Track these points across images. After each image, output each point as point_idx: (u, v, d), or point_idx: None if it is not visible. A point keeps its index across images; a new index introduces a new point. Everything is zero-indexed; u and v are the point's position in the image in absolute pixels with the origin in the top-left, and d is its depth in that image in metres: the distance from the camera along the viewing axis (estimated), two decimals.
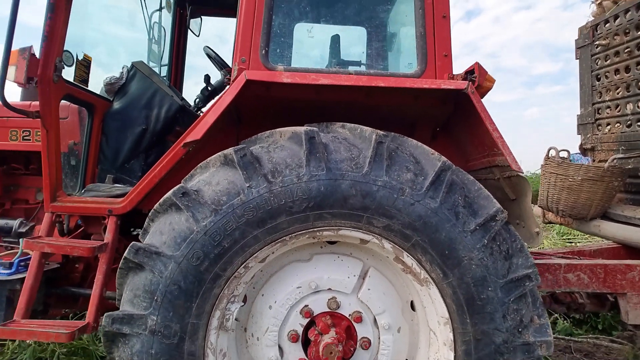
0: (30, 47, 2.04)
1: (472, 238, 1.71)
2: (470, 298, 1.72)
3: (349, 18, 2.45)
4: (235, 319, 1.86)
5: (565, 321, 3.95)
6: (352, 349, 1.92)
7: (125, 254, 1.72)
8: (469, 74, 1.97)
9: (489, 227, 1.73)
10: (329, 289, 1.94)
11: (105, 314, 1.72)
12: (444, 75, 2.04)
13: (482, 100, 1.92)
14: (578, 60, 4.16)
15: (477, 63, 1.94)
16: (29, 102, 2.62)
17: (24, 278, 2.21)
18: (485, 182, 2.18)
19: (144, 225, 1.87)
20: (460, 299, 1.73)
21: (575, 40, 4.11)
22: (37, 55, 2.06)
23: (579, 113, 4.16)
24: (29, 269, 2.15)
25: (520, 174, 1.87)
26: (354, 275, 1.96)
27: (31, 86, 2.09)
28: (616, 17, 3.55)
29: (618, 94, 3.60)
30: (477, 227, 1.72)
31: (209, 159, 1.83)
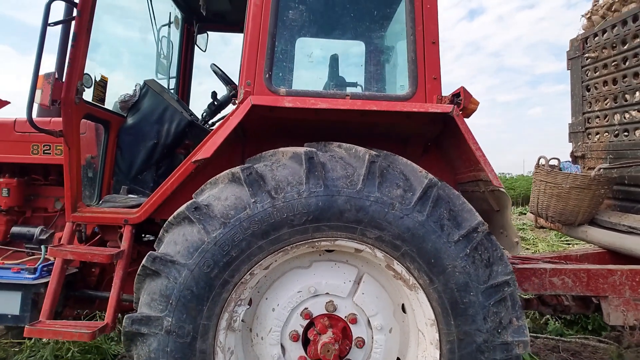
0: (54, 73, 2.24)
1: (455, 248, 1.88)
2: (454, 302, 1.89)
3: (345, 46, 2.63)
4: (242, 320, 2.02)
5: (556, 322, 4.11)
6: (347, 347, 2.07)
7: (143, 262, 1.90)
8: (455, 97, 2.15)
9: (471, 238, 1.90)
10: (327, 293, 2.10)
11: (125, 316, 1.90)
12: (433, 97, 2.22)
13: (466, 120, 2.09)
14: (570, 71, 4.33)
15: (462, 87, 2.12)
16: (48, 119, 2.82)
17: (47, 282, 2.41)
18: (473, 194, 2.36)
19: (159, 236, 2.04)
20: (445, 302, 1.89)
21: (567, 51, 4.28)
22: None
23: (570, 122, 4.32)
24: (53, 274, 2.34)
25: (501, 189, 2.04)
26: (350, 281, 2.12)
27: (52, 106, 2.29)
28: (604, 31, 3.72)
29: (606, 104, 3.76)
30: (461, 238, 1.89)
31: (217, 175, 2.01)
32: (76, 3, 2.27)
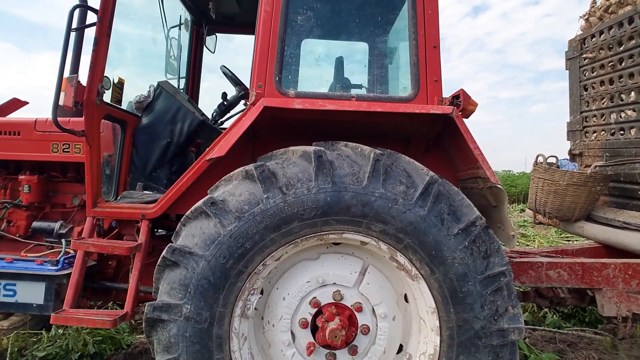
0: (77, 76, 2.37)
1: (455, 240, 2.00)
2: (453, 291, 2.01)
3: (350, 51, 2.76)
4: (255, 309, 2.15)
5: (554, 315, 4.23)
6: (353, 334, 2.18)
7: (163, 254, 2.03)
8: (455, 98, 2.27)
9: (470, 231, 2.02)
10: (334, 283, 2.21)
11: (147, 303, 2.03)
12: (434, 99, 2.34)
13: (465, 121, 2.22)
14: (568, 71, 4.43)
15: (461, 90, 2.24)
16: (67, 119, 2.95)
17: (68, 273, 2.55)
18: (472, 190, 2.48)
19: (176, 229, 2.16)
20: (445, 292, 2.01)
21: (565, 52, 4.38)
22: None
23: (568, 120, 4.43)
24: (75, 265, 2.47)
25: (498, 186, 2.17)
26: (355, 272, 2.23)
27: (76, 108, 2.42)
28: (601, 32, 3.82)
29: (603, 104, 3.87)
30: (460, 232, 2.01)
31: (232, 173, 2.14)
32: (97, 10, 2.40)
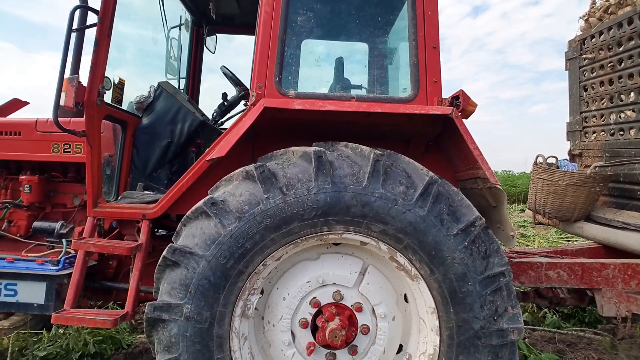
0: (77, 76, 2.37)
1: (454, 241, 2.01)
2: (453, 291, 2.01)
3: (350, 51, 2.77)
4: (255, 308, 2.15)
5: (553, 315, 4.24)
6: (353, 334, 2.19)
7: (164, 254, 2.04)
8: (455, 99, 2.27)
9: (469, 231, 2.03)
10: (334, 283, 2.22)
11: (147, 303, 2.04)
12: (434, 99, 2.34)
13: (465, 122, 2.22)
14: (568, 71, 4.44)
15: (461, 90, 2.24)
16: (68, 119, 2.96)
17: (69, 273, 2.56)
18: (472, 191, 2.49)
19: (177, 229, 2.17)
20: (445, 292, 2.02)
21: (565, 52, 4.39)
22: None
23: (568, 120, 4.44)
24: (76, 265, 2.47)
25: (498, 186, 2.17)
26: (355, 272, 2.24)
27: (76, 108, 2.43)
28: (601, 33, 3.83)
29: (603, 104, 3.88)
30: (459, 232, 2.01)
31: (232, 173, 2.14)
32: (97, 10, 2.41)
